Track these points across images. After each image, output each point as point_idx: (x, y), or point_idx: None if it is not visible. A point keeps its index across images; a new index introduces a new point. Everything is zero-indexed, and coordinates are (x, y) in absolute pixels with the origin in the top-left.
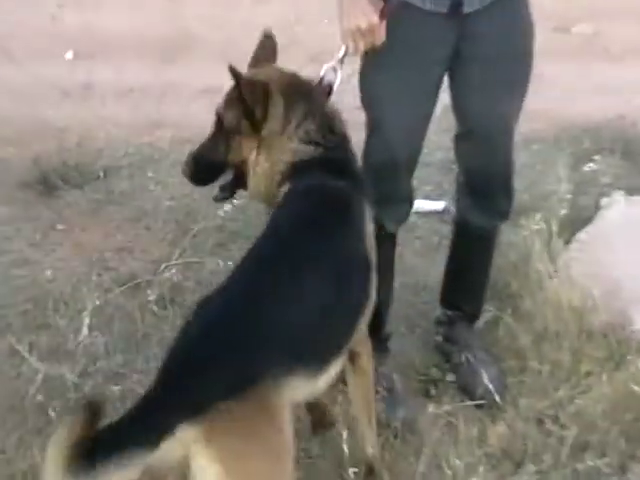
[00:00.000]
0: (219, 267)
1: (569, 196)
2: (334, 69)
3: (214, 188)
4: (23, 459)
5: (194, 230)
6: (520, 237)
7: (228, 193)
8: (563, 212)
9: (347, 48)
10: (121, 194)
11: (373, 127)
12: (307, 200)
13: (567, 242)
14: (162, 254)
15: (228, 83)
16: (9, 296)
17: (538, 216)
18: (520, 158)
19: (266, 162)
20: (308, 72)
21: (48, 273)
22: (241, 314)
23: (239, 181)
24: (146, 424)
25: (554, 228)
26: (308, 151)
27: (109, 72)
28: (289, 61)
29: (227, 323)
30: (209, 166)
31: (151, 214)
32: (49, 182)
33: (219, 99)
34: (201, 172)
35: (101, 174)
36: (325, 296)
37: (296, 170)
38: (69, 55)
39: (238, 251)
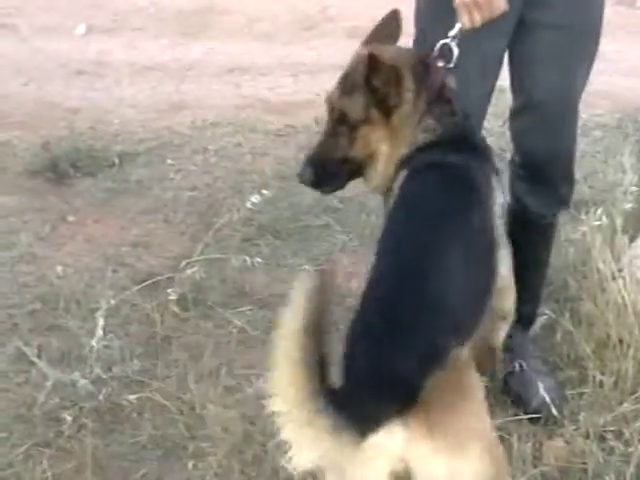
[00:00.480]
0: (246, 264)
1: (634, 188)
2: (449, 48)
3: (243, 175)
4: (32, 474)
5: (218, 223)
6: (579, 233)
7: (340, 184)
8: (628, 206)
9: (463, 23)
10: (138, 183)
11: None
12: (431, 178)
13: (632, 239)
14: (183, 249)
15: (256, 60)
16: (16, 295)
17: (600, 210)
18: (579, 146)
19: (394, 151)
20: (344, 49)
21: (58, 269)
22: (411, 292)
23: (355, 172)
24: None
25: (618, 223)
26: (429, 136)
27: (125, 48)
28: (323, 37)
29: (403, 302)
30: (332, 165)
31: (170, 205)
32: (59, 169)
33: (246, 78)
34: (323, 174)
35: (116, 161)
36: (464, 271)
37: (416, 153)
38: (81, 30)
39: (267, 247)
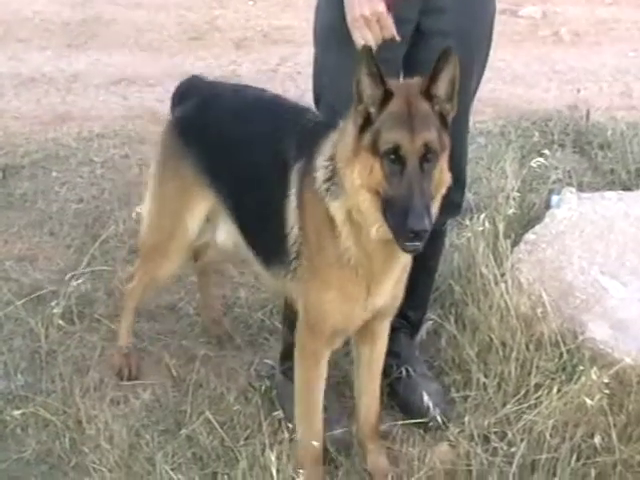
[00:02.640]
0: None
1: (516, 194)
2: None
3: (130, 187)
4: None
5: (104, 235)
6: (464, 239)
7: None
8: (510, 211)
9: (356, 41)
10: (22, 197)
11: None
12: None
13: (514, 244)
14: (69, 262)
15: (144, 71)
16: None
17: (483, 216)
18: (468, 150)
19: None
20: (233, 60)
21: None
22: None
23: None
24: None
25: (500, 229)
26: None
27: (9, 60)
28: (211, 47)
29: None
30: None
31: (56, 218)
32: None
33: (133, 89)
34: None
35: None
36: None
37: None
38: None
39: None
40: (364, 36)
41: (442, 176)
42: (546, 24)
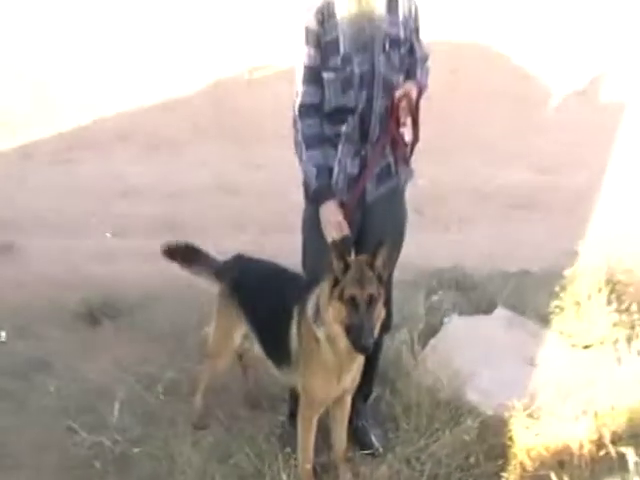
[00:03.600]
0: None
1: (424, 317)
2: None
3: (201, 317)
4: None
5: (188, 345)
6: (394, 343)
7: None
8: (420, 327)
9: (327, 238)
10: (144, 322)
11: None
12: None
13: (423, 346)
14: (166, 362)
15: None
16: (69, 392)
17: (404, 330)
18: (393, 294)
19: None
20: (259, 242)
21: (92, 376)
22: None
23: None
24: None
25: (415, 337)
26: None
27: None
28: (242, 234)
29: None
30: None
31: (161, 337)
32: (94, 316)
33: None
34: None
35: (131, 309)
36: None
37: None
38: (108, 234)
39: None
40: (332, 234)
41: (380, 312)
42: (438, 218)
